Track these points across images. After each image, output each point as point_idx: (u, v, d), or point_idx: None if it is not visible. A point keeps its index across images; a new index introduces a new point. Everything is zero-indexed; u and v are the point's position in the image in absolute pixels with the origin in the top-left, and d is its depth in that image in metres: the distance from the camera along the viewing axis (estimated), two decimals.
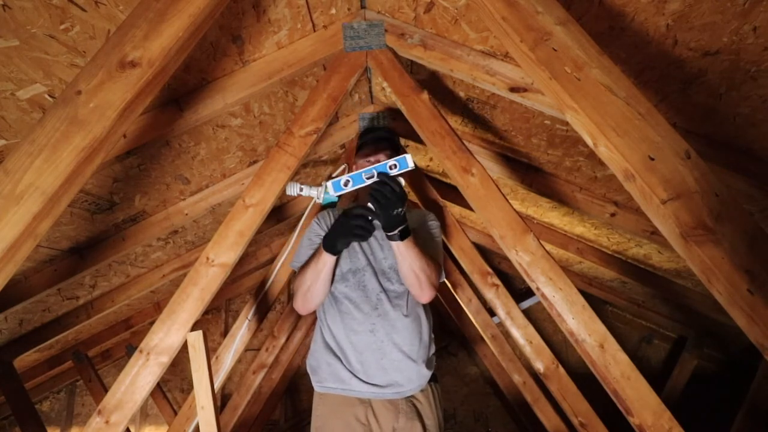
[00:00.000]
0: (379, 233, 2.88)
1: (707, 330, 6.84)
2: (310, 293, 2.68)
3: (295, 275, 2.82)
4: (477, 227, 6.63)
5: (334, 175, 2.75)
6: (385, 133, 3.04)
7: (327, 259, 2.60)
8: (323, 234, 2.86)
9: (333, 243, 2.53)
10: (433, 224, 3.05)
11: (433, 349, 2.88)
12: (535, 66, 1.84)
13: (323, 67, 3.05)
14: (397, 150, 2.99)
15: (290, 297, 8.05)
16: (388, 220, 2.42)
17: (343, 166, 3.64)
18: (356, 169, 2.61)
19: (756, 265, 1.45)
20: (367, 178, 2.38)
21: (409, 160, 2.37)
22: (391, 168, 2.38)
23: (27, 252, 1.62)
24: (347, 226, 2.42)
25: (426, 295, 2.71)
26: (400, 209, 2.37)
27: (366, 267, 2.80)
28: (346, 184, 2.40)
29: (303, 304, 2.73)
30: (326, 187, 2.45)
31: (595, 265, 5.63)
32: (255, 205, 2.81)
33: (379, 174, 2.36)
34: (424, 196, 3.99)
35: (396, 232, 2.48)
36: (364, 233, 2.42)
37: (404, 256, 2.58)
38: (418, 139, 4.04)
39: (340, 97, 2.88)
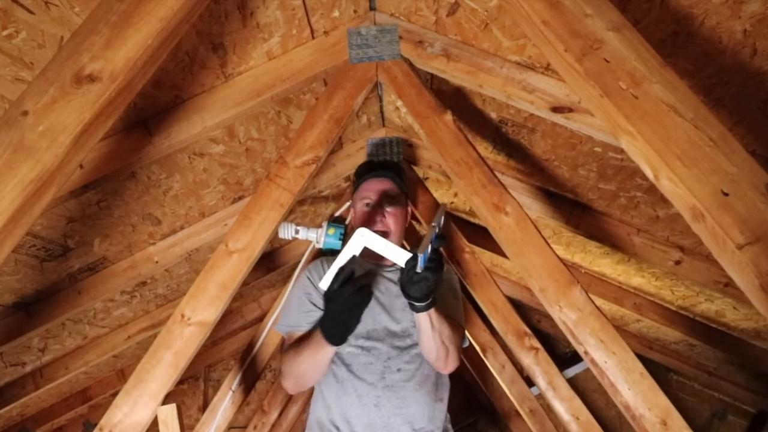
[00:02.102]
0: (395, 288, 2.83)
1: None
2: (304, 380, 2.64)
3: (284, 345, 2.75)
4: (512, 278, 6.60)
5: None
6: (386, 173, 3.02)
7: (329, 352, 2.47)
8: (316, 292, 2.82)
9: (340, 333, 2.38)
10: (453, 278, 3.03)
11: (449, 427, 2.85)
12: (583, 81, 1.82)
13: (324, 82, 3.05)
14: (403, 189, 3.00)
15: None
16: (423, 291, 2.34)
17: (348, 204, 3.63)
18: (353, 210, 2.78)
19: None
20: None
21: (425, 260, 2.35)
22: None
23: None
24: (352, 303, 2.30)
25: (452, 366, 2.70)
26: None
27: (373, 331, 2.74)
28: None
29: (294, 387, 2.68)
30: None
31: (656, 324, 5.58)
32: (241, 251, 2.80)
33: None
34: (447, 240, 3.96)
35: (430, 300, 2.43)
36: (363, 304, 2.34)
37: (434, 327, 2.52)
38: (440, 170, 4.03)
39: (345, 119, 2.88)
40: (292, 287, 2.93)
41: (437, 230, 2.39)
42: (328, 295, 2.32)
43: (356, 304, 2.29)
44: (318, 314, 2.72)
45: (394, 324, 2.75)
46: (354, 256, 2.32)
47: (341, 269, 2.28)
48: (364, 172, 3.04)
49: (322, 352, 2.46)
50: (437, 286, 2.36)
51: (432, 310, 2.46)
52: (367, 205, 2.89)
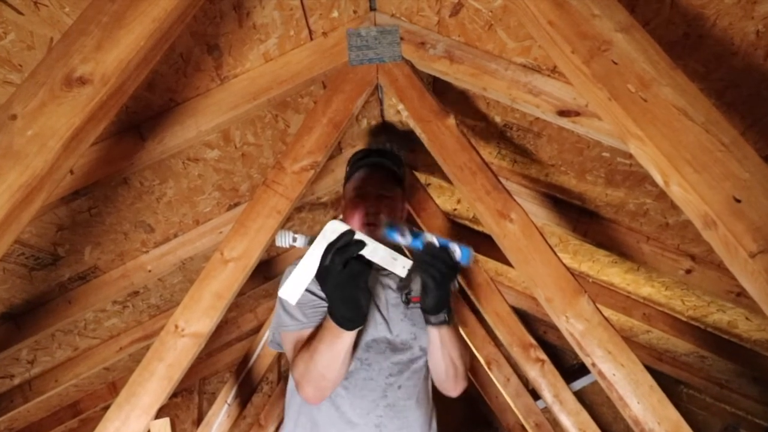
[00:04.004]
0: (392, 295, 2.72)
1: None
2: (325, 381, 2.32)
3: (296, 356, 2.42)
4: (517, 287, 6.60)
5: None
6: (385, 160, 2.81)
7: (347, 340, 2.21)
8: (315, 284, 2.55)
9: (353, 313, 2.13)
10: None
11: None
12: (591, 83, 1.81)
13: (323, 84, 3.05)
14: (401, 184, 2.83)
15: (280, 376, 8.02)
16: (438, 300, 2.30)
17: None
18: (344, 200, 2.66)
19: None
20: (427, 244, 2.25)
21: (471, 257, 2.29)
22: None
23: None
24: (350, 274, 2.03)
25: (459, 388, 2.63)
26: (455, 283, 2.30)
27: (373, 341, 2.56)
28: (403, 234, 2.25)
29: (315, 393, 2.36)
30: (383, 228, 2.28)
31: (666, 336, 5.58)
32: (236, 260, 2.79)
33: (441, 247, 2.23)
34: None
35: (443, 315, 2.37)
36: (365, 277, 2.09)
37: (446, 344, 2.46)
38: (442, 176, 4.03)
39: (344, 123, 2.87)
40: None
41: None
42: (321, 277, 2.08)
43: (354, 274, 2.03)
44: (325, 307, 2.48)
45: (393, 336, 2.60)
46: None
47: (329, 246, 2.05)
48: (358, 160, 2.86)
49: (339, 343, 2.20)
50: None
51: (445, 327, 2.41)
52: (359, 194, 2.70)
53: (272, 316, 3.82)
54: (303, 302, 2.51)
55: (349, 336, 2.20)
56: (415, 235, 2.24)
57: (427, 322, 2.42)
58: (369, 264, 2.08)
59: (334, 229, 2.10)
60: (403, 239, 2.23)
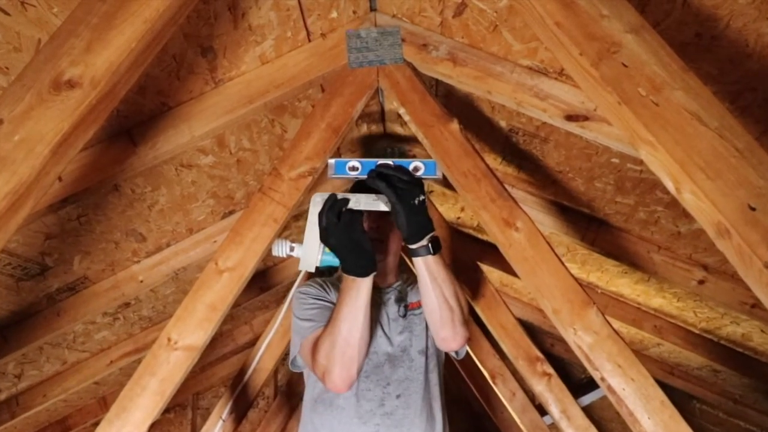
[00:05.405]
0: (391, 310, 2.81)
1: None
2: (352, 348, 2.42)
3: (318, 343, 2.50)
4: (523, 299, 6.59)
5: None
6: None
7: (364, 289, 2.37)
8: (332, 297, 2.76)
9: (362, 258, 2.33)
10: None
11: None
12: (599, 86, 1.80)
13: (321, 88, 3.04)
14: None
15: (277, 391, 8.00)
16: (410, 219, 2.27)
17: None
18: None
19: None
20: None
21: (437, 168, 2.44)
22: (414, 170, 2.45)
23: None
24: (346, 224, 2.27)
25: (459, 336, 2.56)
26: (421, 196, 2.29)
27: (374, 354, 2.69)
28: (353, 169, 2.48)
29: (342, 372, 2.43)
30: (328, 166, 2.55)
31: (677, 349, 5.56)
32: (231, 270, 2.78)
33: (396, 166, 2.32)
34: (454, 258, 3.96)
35: (425, 241, 2.35)
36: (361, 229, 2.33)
37: (435, 278, 2.43)
38: (446, 183, 4.02)
39: (344, 128, 2.86)
40: (296, 304, 2.79)
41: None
42: (324, 238, 2.32)
43: (349, 222, 2.26)
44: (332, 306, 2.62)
45: (394, 347, 2.72)
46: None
47: (320, 212, 2.27)
48: (357, 184, 2.89)
49: (358, 297, 2.36)
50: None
51: (431, 257, 2.39)
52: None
53: (269, 328, 3.82)
54: (315, 308, 2.70)
55: (366, 286, 2.37)
56: (370, 164, 2.48)
57: (412, 254, 2.41)
58: (359, 212, 2.33)
59: (320, 199, 2.35)
60: (356, 172, 2.52)
